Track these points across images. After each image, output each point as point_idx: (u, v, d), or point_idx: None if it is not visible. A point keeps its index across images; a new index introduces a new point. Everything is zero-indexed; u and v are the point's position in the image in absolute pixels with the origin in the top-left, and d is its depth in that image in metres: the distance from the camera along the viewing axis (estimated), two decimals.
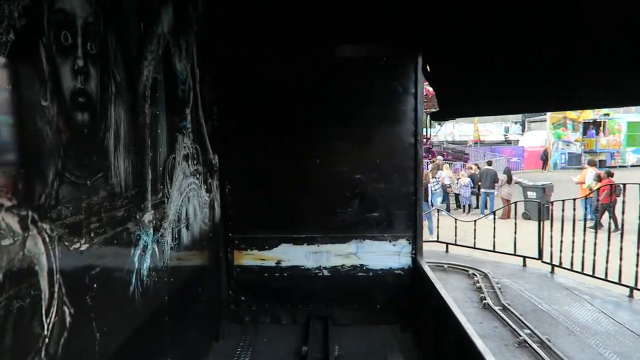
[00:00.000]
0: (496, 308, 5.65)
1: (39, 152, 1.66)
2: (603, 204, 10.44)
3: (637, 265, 5.96)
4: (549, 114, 32.78)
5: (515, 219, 8.19)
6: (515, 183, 17.06)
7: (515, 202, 9.28)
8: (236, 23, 4.18)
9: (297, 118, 4.37)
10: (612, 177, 11.39)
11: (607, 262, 6.35)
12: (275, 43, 4.21)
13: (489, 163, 18.61)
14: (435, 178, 16.28)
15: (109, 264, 2.17)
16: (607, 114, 30.48)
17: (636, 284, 6.01)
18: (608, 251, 6.34)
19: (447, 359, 3.35)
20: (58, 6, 1.78)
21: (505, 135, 42.57)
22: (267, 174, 4.46)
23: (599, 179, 11.58)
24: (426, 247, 5.58)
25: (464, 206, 17.72)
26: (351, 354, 3.95)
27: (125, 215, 2.35)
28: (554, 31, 2.46)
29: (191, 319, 3.53)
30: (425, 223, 8.87)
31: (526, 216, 12.23)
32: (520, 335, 4.80)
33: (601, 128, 31.82)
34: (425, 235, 6.20)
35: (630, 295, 6.14)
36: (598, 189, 10.33)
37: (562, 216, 7.56)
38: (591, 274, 6.59)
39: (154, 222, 2.74)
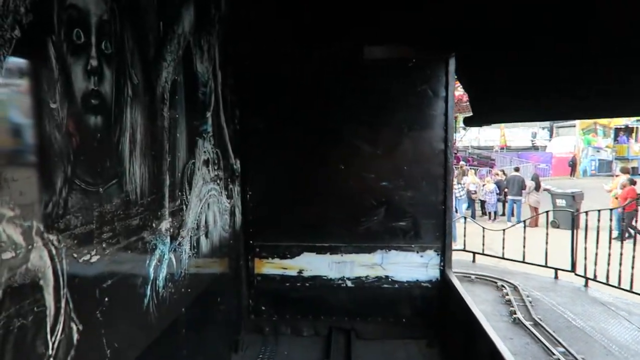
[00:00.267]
0: (527, 323, 5.38)
1: (45, 158, 1.54)
2: (628, 213, 10.00)
3: None
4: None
5: (548, 228, 7.85)
6: (544, 190, 16.57)
7: (547, 212, 8.89)
8: (258, 22, 4.06)
9: (322, 122, 4.22)
10: (635, 185, 11.00)
11: None
12: (300, 43, 4.07)
13: (517, 169, 18.17)
14: (460, 184, 15.95)
15: (122, 275, 2.04)
16: None
17: None
18: None
19: None
20: (70, 2, 1.66)
21: (532, 141, 41.65)
22: (290, 180, 4.32)
23: (624, 186, 11.18)
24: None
25: (489, 213, 17.33)
26: None
27: (140, 223, 2.23)
28: (568, 27, 2.30)
29: (209, 330, 3.41)
30: None
31: (555, 224, 11.81)
32: (554, 354, 4.54)
33: (633, 134, 30.83)
34: None
35: None
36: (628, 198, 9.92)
37: (598, 226, 7.22)
38: (629, 288, 6.25)
39: (171, 230, 2.62)
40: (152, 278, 2.36)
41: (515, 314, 5.65)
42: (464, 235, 8.65)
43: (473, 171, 19.70)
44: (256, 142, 4.27)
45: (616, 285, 6.43)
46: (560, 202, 15.08)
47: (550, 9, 2.33)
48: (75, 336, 1.68)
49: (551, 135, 42.50)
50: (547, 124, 43.85)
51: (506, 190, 17.27)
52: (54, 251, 1.56)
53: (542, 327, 5.28)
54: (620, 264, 6.17)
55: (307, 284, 4.33)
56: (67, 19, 1.65)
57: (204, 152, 3.23)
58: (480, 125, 3.11)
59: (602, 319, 5.72)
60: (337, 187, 4.24)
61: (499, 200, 17.50)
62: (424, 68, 4.05)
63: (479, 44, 2.90)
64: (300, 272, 4.33)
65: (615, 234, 9.15)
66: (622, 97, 2.53)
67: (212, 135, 3.39)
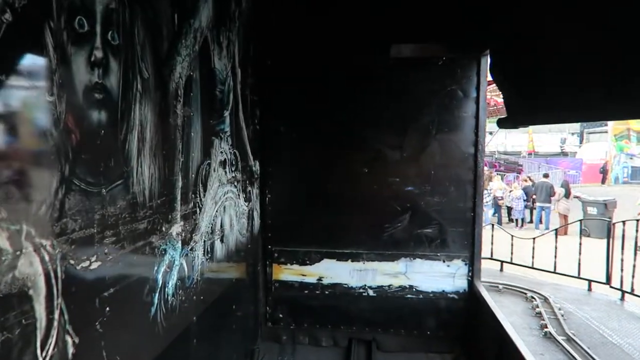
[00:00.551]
0: (560, 338, 5.09)
1: (38, 156, 1.40)
2: None
3: None
4: (610, 125, 30.95)
5: (581, 238, 7.48)
6: (574, 197, 16.03)
7: (581, 220, 8.49)
8: (281, 20, 3.91)
9: (345, 123, 4.04)
10: None
11: None
12: (323, 42, 3.90)
13: (546, 175, 17.68)
14: (487, 189, 15.57)
15: (126, 283, 1.90)
16: None
17: None
18: None
19: None
20: None
21: (561, 147, 40.64)
22: (311, 183, 4.15)
23: None
24: None
25: (516, 220, 16.91)
26: None
27: (148, 227, 2.09)
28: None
29: (223, 338, 3.26)
30: None
31: (585, 233, 11.40)
32: None
33: None
34: None
35: None
36: None
37: (636, 237, 6.83)
38: None
39: (183, 234, 2.47)
40: (160, 285, 2.22)
41: (546, 327, 5.37)
42: (491, 243, 8.34)
43: (499, 177, 19.22)
44: (276, 143, 4.12)
45: None
46: (592, 210, 14.56)
47: None
48: (71, 350, 1.54)
49: (581, 141, 41.39)
50: (577, 129, 42.73)
51: (534, 196, 16.83)
52: (47, 257, 1.42)
53: (576, 342, 4.99)
54: None
55: (327, 292, 4.14)
56: (69, 5, 1.52)
57: (221, 152, 3.09)
58: (516, 127, 2.89)
59: None
60: (360, 192, 4.05)
61: (526, 207, 17.07)
62: (454, 67, 3.83)
63: (517, 38, 2.68)
64: (319, 279, 4.15)
65: None
66: None
67: (229, 135, 3.25)
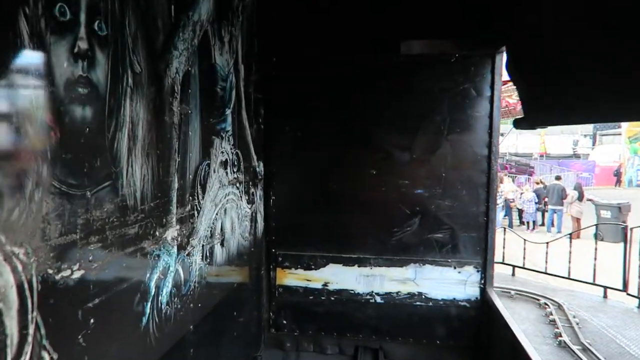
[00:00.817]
0: (575, 347, 4.89)
1: (10, 156, 1.27)
2: None
3: None
4: (624, 127, 30.47)
5: (597, 243, 7.25)
6: (587, 200, 15.73)
7: (597, 224, 8.25)
8: (287, 16, 3.77)
9: (352, 123, 3.89)
10: None
11: None
12: (331, 38, 3.75)
13: (558, 178, 17.39)
14: (499, 192, 15.36)
15: (114, 292, 1.77)
16: None
17: None
18: None
19: None
20: None
21: (573, 149, 40.13)
22: (317, 185, 4.00)
23: None
24: None
25: (527, 223, 16.68)
26: None
27: (139, 232, 1.95)
28: None
29: (224, 346, 3.12)
30: None
31: (598, 237, 11.12)
32: None
33: None
34: None
35: None
36: None
37: None
38: None
39: (179, 239, 2.34)
40: (152, 294, 2.08)
41: (560, 336, 5.18)
42: (503, 247, 8.13)
43: (510, 178, 18.95)
44: (281, 143, 3.97)
45: None
46: (605, 214, 14.27)
47: None
48: None
49: (594, 143, 40.84)
50: (589, 131, 42.15)
51: (546, 199, 16.59)
52: (19, 267, 1.29)
53: (592, 353, 4.79)
54: None
55: (333, 298, 3.99)
56: None
57: (222, 152, 2.95)
58: (534, 128, 2.72)
59: None
60: (368, 194, 3.89)
61: (538, 209, 16.85)
62: (467, 65, 3.66)
63: (536, 35, 2.51)
64: (325, 284, 4.00)
65: None
66: None
67: (231, 134, 3.11)
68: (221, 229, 2.98)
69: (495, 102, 3.64)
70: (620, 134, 32.77)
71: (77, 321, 1.56)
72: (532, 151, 36.49)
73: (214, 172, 2.82)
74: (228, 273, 3.19)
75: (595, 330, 5.48)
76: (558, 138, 39.32)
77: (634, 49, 2.04)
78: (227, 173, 3.05)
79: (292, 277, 4.04)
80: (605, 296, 6.82)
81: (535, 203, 16.33)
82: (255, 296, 3.86)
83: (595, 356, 4.72)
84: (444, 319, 3.88)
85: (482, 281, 3.82)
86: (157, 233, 2.11)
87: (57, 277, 1.45)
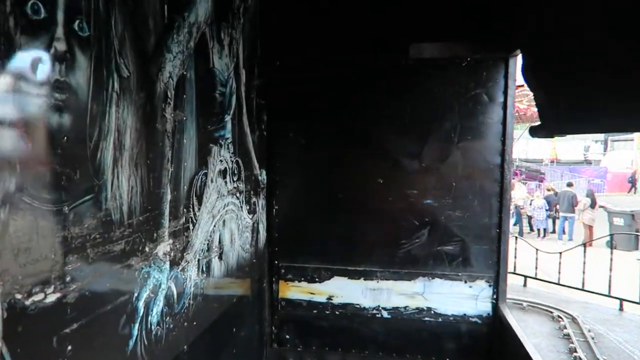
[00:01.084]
0: None
1: None
2: None
3: None
4: (636, 133, 30.03)
5: (612, 252, 7.01)
6: (599, 207, 15.43)
7: (612, 234, 8.01)
8: (291, 18, 3.63)
9: (359, 130, 3.73)
10: None
11: None
12: (336, 41, 3.60)
13: (569, 184, 17.13)
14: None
15: (95, 316, 1.62)
16: None
17: None
18: None
19: None
20: None
21: (584, 155, 39.68)
22: (322, 194, 3.84)
23: None
24: None
25: (538, 230, 16.43)
26: None
27: (126, 248, 1.81)
28: None
29: None
30: None
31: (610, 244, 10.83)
32: None
33: None
34: None
35: None
36: None
37: None
38: None
39: (171, 254, 2.20)
40: (141, 314, 1.94)
41: (575, 351, 4.96)
42: (515, 257, 7.91)
43: (522, 184, 18.69)
44: (285, 151, 3.82)
45: None
46: (618, 221, 13.97)
47: None
48: None
49: (605, 149, 40.36)
50: (601, 137, 41.65)
51: (557, 206, 16.35)
52: None
53: None
54: None
55: (337, 312, 3.83)
56: None
57: (220, 161, 2.81)
58: (552, 136, 2.56)
59: None
60: (375, 204, 3.73)
61: (549, 216, 16.61)
62: (479, 69, 3.50)
63: (554, 37, 2.34)
64: (329, 298, 3.83)
65: None
66: None
67: (231, 142, 2.97)
68: (219, 242, 2.83)
69: (509, 108, 3.47)
70: (632, 140, 32.35)
71: (52, 349, 1.41)
72: (542, 157, 36.08)
73: (212, 181, 2.68)
74: (227, 287, 3.04)
75: (612, 346, 5.26)
76: (569, 144, 38.90)
77: None
78: (226, 182, 2.91)
79: (295, 290, 3.88)
80: (621, 309, 6.58)
81: (546, 210, 16.09)
82: (257, 310, 3.70)
83: None
84: (454, 335, 3.70)
85: (495, 296, 3.64)
86: (146, 249, 1.97)
87: (27, 302, 1.30)
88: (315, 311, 3.85)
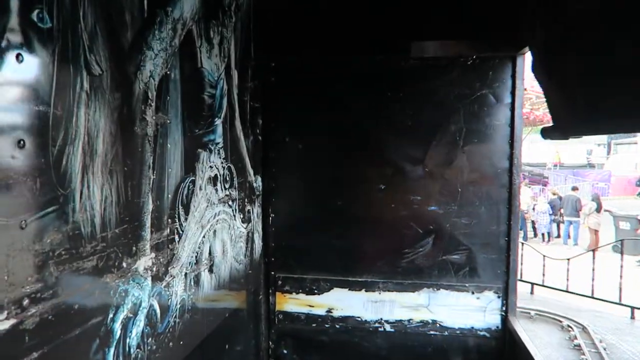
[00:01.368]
0: None
1: None
2: None
3: None
4: None
5: (623, 258, 6.80)
6: (605, 211, 15.23)
7: (622, 240, 7.79)
8: (287, 16, 3.47)
9: (359, 133, 3.56)
10: None
11: None
12: (335, 41, 3.43)
13: (574, 188, 16.93)
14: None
15: (60, 342, 1.44)
16: None
17: None
18: None
19: None
20: None
21: (587, 158, 39.48)
22: (320, 201, 3.66)
23: None
24: None
25: (542, 235, 16.25)
26: None
27: (99, 264, 1.63)
28: None
29: None
30: None
31: (617, 249, 10.64)
32: None
33: None
34: None
35: None
36: None
37: None
38: None
39: (154, 269, 2.01)
40: (117, 337, 1.75)
41: None
42: (521, 263, 7.70)
43: (528, 188, 18.52)
44: (281, 156, 3.65)
45: None
46: (624, 225, 13.80)
47: None
48: None
49: (608, 152, 40.14)
50: (604, 140, 41.42)
51: (561, 210, 16.20)
52: None
53: None
54: None
55: (337, 326, 3.63)
56: None
57: (210, 167, 2.63)
58: (566, 138, 2.36)
59: None
60: (376, 212, 3.54)
61: (554, 220, 16.46)
62: (485, 68, 3.32)
63: (567, 32, 2.17)
64: (329, 311, 3.64)
65: None
66: None
67: (222, 147, 2.80)
68: (210, 253, 2.65)
69: (517, 109, 3.29)
70: (635, 143, 32.11)
71: None
72: (545, 161, 35.84)
73: (200, 189, 2.50)
74: (219, 302, 2.86)
75: (625, 357, 5.04)
76: (571, 147, 38.69)
77: None
78: (217, 190, 2.73)
79: (293, 303, 3.68)
80: (632, 317, 6.36)
81: (550, 214, 15.91)
82: (253, 324, 3.51)
83: None
84: (461, 350, 3.50)
85: (504, 308, 3.44)
86: (123, 264, 1.78)
87: None
88: (314, 325, 3.66)
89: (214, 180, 2.68)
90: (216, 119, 2.70)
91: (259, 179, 3.55)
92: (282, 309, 3.70)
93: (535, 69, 2.42)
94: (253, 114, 3.36)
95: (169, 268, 2.16)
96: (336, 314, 3.63)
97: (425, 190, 3.47)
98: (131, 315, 1.84)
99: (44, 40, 1.35)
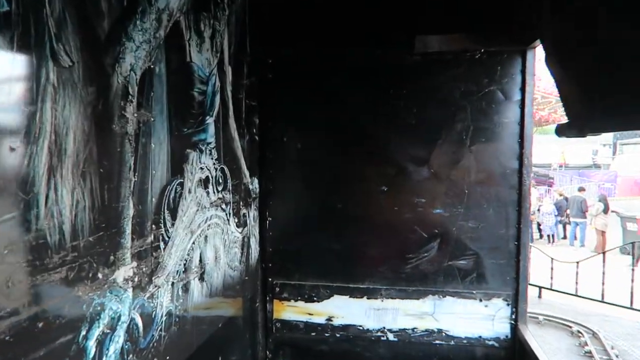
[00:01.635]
0: None
1: None
2: None
3: None
4: None
5: (634, 264, 6.60)
6: (611, 212, 15.02)
7: (633, 243, 7.58)
8: (286, 10, 3.31)
9: (361, 132, 3.39)
10: None
11: None
12: (334, 36, 3.28)
13: (581, 189, 16.73)
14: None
15: None
16: None
17: None
18: None
19: None
20: None
21: (593, 159, 39.14)
22: (320, 204, 3.50)
23: None
24: None
25: (548, 236, 16.08)
26: None
27: (70, 276, 1.47)
28: None
29: None
30: None
31: (625, 251, 10.42)
32: None
33: None
34: None
35: None
36: None
37: None
38: None
39: (135, 279, 1.85)
40: (91, 356, 1.59)
41: None
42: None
43: (535, 189, 18.33)
44: (279, 157, 3.49)
45: None
46: (631, 226, 13.60)
47: None
48: None
49: (614, 153, 39.77)
50: (609, 140, 41.04)
51: (567, 211, 16.03)
52: None
53: None
54: None
55: (338, 335, 3.46)
56: None
57: (201, 168, 2.47)
58: (583, 135, 2.19)
59: None
60: (378, 215, 3.37)
61: (560, 222, 16.28)
62: (493, 63, 3.15)
63: (581, 23, 2.00)
64: (329, 319, 3.47)
65: None
66: None
67: (214, 147, 2.64)
68: (200, 261, 2.49)
69: (527, 106, 3.12)
70: None
71: None
72: (550, 161, 35.52)
73: (189, 192, 2.34)
74: (211, 311, 2.70)
75: None
76: (576, 147, 38.37)
77: None
78: (208, 193, 2.57)
79: (292, 311, 3.52)
80: None
81: (555, 216, 15.74)
82: (249, 333, 3.35)
83: None
84: None
85: (514, 316, 3.27)
86: (99, 275, 1.62)
87: None
88: (313, 333, 3.49)
89: (205, 182, 2.52)
90: (207, 117, 2.55)
91: (256, 180, 3.39)
92: (280, 317, 3.53)
93: (548, 61, 2.25)
94: (249, 113, 3.21)
95: (153, 278, 2.00)
96: (337, 322, 3.46)
97: (430, 191, 3.30)
98: (108, 331, 1.68)
99: (0, 25, 1.20)
